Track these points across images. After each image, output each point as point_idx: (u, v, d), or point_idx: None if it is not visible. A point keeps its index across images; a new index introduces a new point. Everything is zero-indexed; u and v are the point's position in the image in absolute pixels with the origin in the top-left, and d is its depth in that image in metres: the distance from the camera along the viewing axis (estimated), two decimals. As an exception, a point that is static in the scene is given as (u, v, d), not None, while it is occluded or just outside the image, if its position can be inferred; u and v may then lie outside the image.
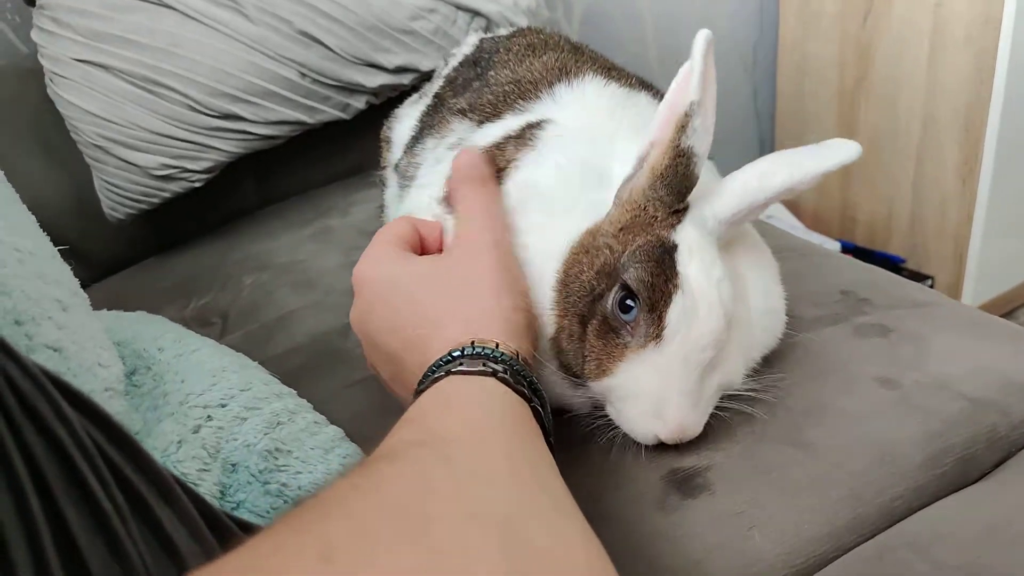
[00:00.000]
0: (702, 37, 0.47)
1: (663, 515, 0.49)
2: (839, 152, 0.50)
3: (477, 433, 0.37)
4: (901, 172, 1.62)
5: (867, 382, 0.56)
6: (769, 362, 0.57)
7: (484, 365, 0.43)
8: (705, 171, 0.52)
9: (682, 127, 0.48)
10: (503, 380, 0.42)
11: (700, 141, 0.48)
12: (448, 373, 0.43)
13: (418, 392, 0.43)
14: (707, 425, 0.53)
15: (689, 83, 0.48)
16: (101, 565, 0.23)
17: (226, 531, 0.32)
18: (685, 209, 0.50)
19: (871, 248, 1.76)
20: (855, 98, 1.65)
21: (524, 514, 0.31)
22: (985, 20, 1.36)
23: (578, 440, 0.54)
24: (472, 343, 0.45)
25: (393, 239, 0.56)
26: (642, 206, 0.50)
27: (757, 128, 1.80)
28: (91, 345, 0.45)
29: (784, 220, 1.76)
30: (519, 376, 0.44)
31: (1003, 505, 0.48)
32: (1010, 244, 1.58)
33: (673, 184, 0.49)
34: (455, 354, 0.44)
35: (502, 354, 0.44)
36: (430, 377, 0.44)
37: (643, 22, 1.63)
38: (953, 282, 1.61)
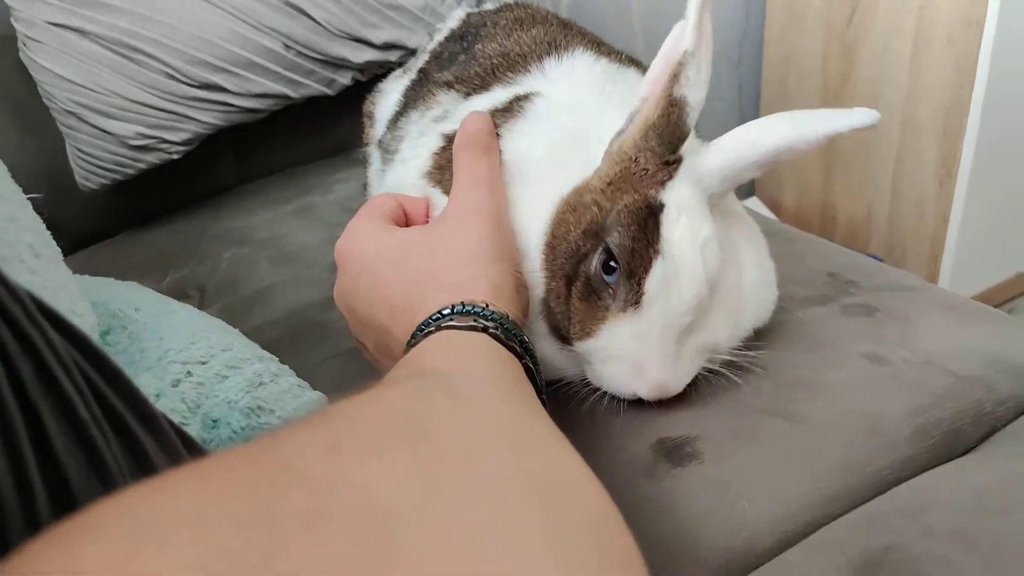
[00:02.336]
0: None
1: (652, 483, 0.49)
2: (853, 116, 0.48)
3: (474, 371, 0.36)
4: (881, 172, 1.64)
5: (855, 358, 0.56)
6: (760, 337, 0.57)
7: (475, 321, 0.42)
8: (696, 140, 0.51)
9: (675, 76, 0.47)
10: (494, 336, 0.42)
11: (693, 91, 0.47)
12: (439, 328, 0.42)
13: (408, 348, 0.42)
14: (696, 394, 0.52)
15: (684, 33, 0.47)
16: (79, 474, 0.22)
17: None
18: (677, 163, 0.49)
19: (851, 247, 1.77)
20: (839, 96, 1.66)
21: (527, 434, 0.30)
22: (968, 23, 1.38)
23: (566, 409, 0.53)
24: (462, 303, 0.44)
25: (376, 213, 0.55)
26: (633, 157, 0.49)
27: (741, 123, 1.81)
28: (64, 294, 0.44)
29: (765, 218, 1.77)
30: (510, 334, 0.43)
31: (989, 477, 0.48)
32: (985, 247, 1.59)
33: (665, 134, 0.48)
34: (444, 312, 0.43)
35: (492, 312, 0.43)
36: (420, 335, 0.43)
37: (630, 13, 1.63)
38: (929, 281, 1.62)
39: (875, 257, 1.71)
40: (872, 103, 1.61)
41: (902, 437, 0.50)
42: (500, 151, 0.56)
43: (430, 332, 0.42)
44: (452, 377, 0.34)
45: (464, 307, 0.43)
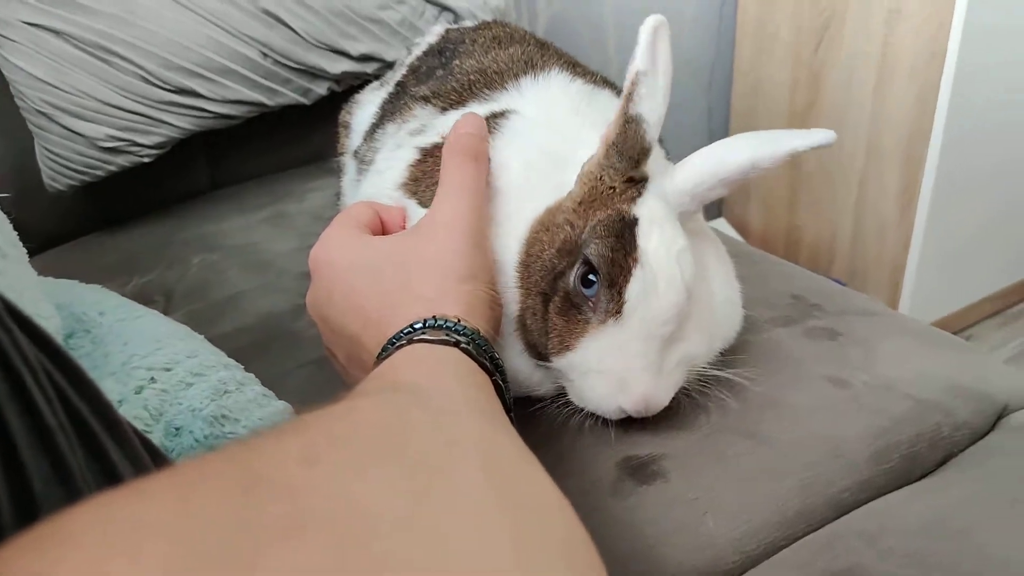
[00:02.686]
0: (650, 20, 0.49)
1: (618, 501, 0.49)
2: (813, 135, 0.50)
3: (445, 386, 0.36)
4: (845, 198, 1.67)
5: (818, 380, 0.58)
6: (726, 356, 0.58)
7: (447, 336, 0.42)
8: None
9: (629, 95, 0.48)
10: (465, 351, 0.42)
11: (648, 107, 0.49)
12: (411, 342, 0.42)
13: (379, 360, 0.42)
14: (662, 415, 0.53)
15: (634, 56, 0.49)
16: (43, 483, 0.21)
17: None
18: (644, 181, 0.50)
19: (814, 271, 1.80)
20: (805, 122, 1.70)
21: (498, 451, 0.31)
22: (930, 55, 1.42)
23: (533, 426, 0.53)
24: (434, 317, 0.44)
25: (352, 222, 0.55)
26: (598, 176, 0.50)
27: (710, 146, 1.84)
28: (29, 296, 0.43)
29: (732, 239, 1.79)
30: (481, 350, 0.43)
31: (946, 501, 0.49)
32: (944, 274, 1.63)
33: (624, 150, 0.49)
34: (416, 326, 0.43)
35: (464, 327, 0.44)
36: (392, 347, 0.43)
37: (605, 37, 1.65)
38: (889, 307, 1.66)
39: (838, 281, 1.74)
40: (837, 130, 1.63)
41: (862, 459, 0.51)
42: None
43: (402, 345, 0.42)
44: (425, 391, 0.34)
45: (436, 321, 0.44)
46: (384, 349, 0.44)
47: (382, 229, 0.57)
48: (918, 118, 1.48)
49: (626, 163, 0.49)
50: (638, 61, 0.48)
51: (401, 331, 0.44)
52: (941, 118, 1.44)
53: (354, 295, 0.50)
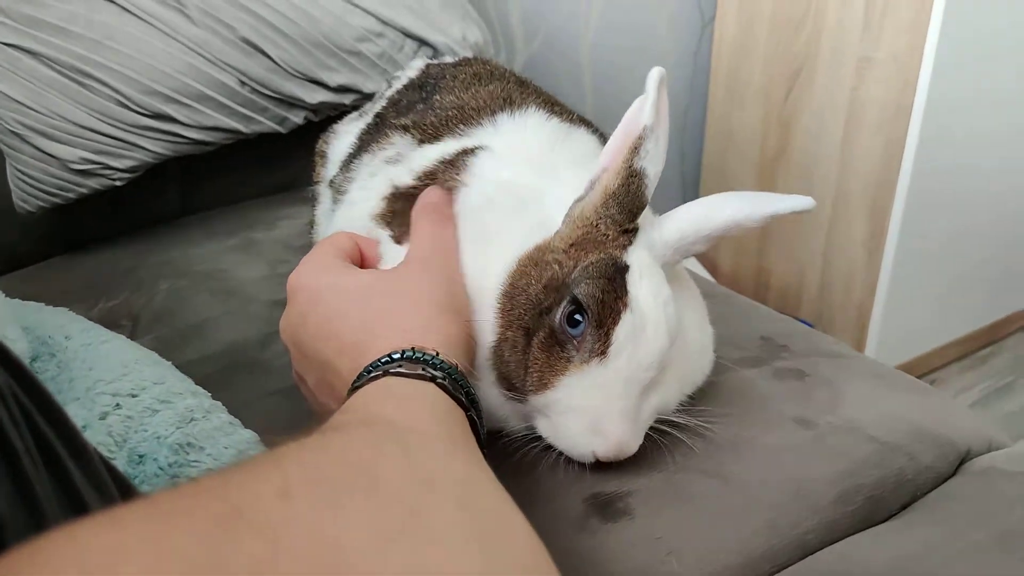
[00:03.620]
0: (656, 72, 0.51)
1: (584, 537, 0.49)
2: (793, 200, 0.52)
3: (419, 423, 0.36)
4: (813, 242, 1.70)
5: (785, 421, 0.58)
6: (695, 397, 0.58)
7: (423, 370, 0.42)
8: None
9: (635, 149, 0.50)
10: (442, 386, 0.42)
11: (652, 163, 0.50)
12: (386, 373, 0.42)
13: (353, 389, 0.42)
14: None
15: (643, 109, 0.50)
16: (8, 506, 0.21)
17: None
18: (635, 231, 0.51)
19: (782, 311, 1.82)
20: (775, 168, 1.73)
21: (472, 489, 0.31)
22: (896, 108, 1.46)
23: (500, 459, 0.53)
24: (412, 348, 0.44)
25: (333, 250, 0.55)
26: (593, 223, 0.51)
27: (682, 189, 1.87)
28: (-4, 318, 0.42)
29: (703, 278, 1.81)
30: (457, 385, 0.43)
31: (910, 543, 0.50)
32: (910, 318, 1.66)
33: (624, 203, 0.50)
34: (395, 356, 0.43)
35: (441, 362, 0.44)
36: (366, 376, 0.43)
37: (582, 74, 1.68)
38: (855, 349, 1.68)
39: (805, 322, 1.77)
40: (806, 175, 1.69)
41: (827, 501, 0.52)
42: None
43: (376, 376, 0.42)
44: (399, 427, 0.34)
45: (415, 354, 0.44)
46: (359, 377, 0.43)
47: (361, 261, 0.58)
48: (884, 168, 1.51)
49: (624, 216, 0.50)
50: (647, 115, 0.50)
51: (378, 360, 0.44)
52: (907, 169, 1.48)
53: (331, 321, 0.50)
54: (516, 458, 0.53)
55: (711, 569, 0.47)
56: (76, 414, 0.45)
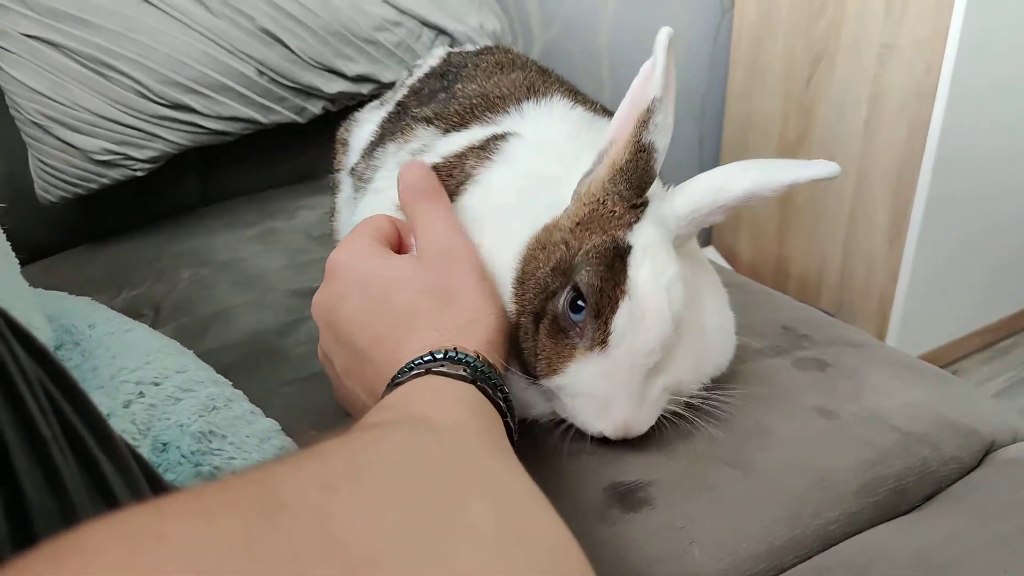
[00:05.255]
0: (663, 33, 0.48)
1: (604, 527, 0.49)
2: (815, 167, 0.49)
3: (459, 423, 0.37)
4: (834, 230, 1.69)
5: (807, 411, 0.58)
6: (716, 385, 0.58)
7: (465, 371, 0.43)
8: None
9: (644, 122, 0.48)
10: (481, 390, 0.42)
11: (660, 137, 0.49)
12: (428, 371, 0.42)
13: (393, 385, 0.42)
14: (650, 440, 0.53)
15: (652, 79, 0.48)
16: (37, 494, 0.21)
17: (166, 492, 0.31)
18: (643, 206, 0.50)
19: (802, 301, 1.81)
20: (795, 155, 1.72)
21: (511, 489, 0.31)
22: (920, 94, 1.44)
23: (522, 449, 0.53)
24: (455, 348, 0.44)
25: (374, 232, 0.55)
26: (600, 199, 0.50)
27: (701, 172, 1.85)
28: (21, 306, 0.43)
29: (721, 267, 1.80)
30: (496, 390, 0.44)
31: (935, 534, 0.49)
32: (932, 308, 1.64)
33: (633, 178, 0.49)
34: (437, 355, 0.44)
35: (482, 365, 0.44)
36: (408, 372, 0.43)
37: (600, 62, 1.67)
38: (877, 339, 1.66)
39: (826, 312, 1.76)
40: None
41: (850, 491, 0.51)
42: (469, 191, 0.57)
43: (419, 373, 0.42)
44: (440, 426, 0.34)
45: (457, 354, 0.44)
46: (400, 372, 0.44)
47: (399, 246, 0.57)
48: (907, 154, 1.49)
49: (632, 191, 0.49)
50: (656, 85, 0.47)
51: (420, 358, 0.44)
52: (930, 155, 1.46)
53: (368, 309, 0.49)
54: (537, 448, 0.53)
55: (733, 559, 0.47)
56: (100, 402, 0.45)
